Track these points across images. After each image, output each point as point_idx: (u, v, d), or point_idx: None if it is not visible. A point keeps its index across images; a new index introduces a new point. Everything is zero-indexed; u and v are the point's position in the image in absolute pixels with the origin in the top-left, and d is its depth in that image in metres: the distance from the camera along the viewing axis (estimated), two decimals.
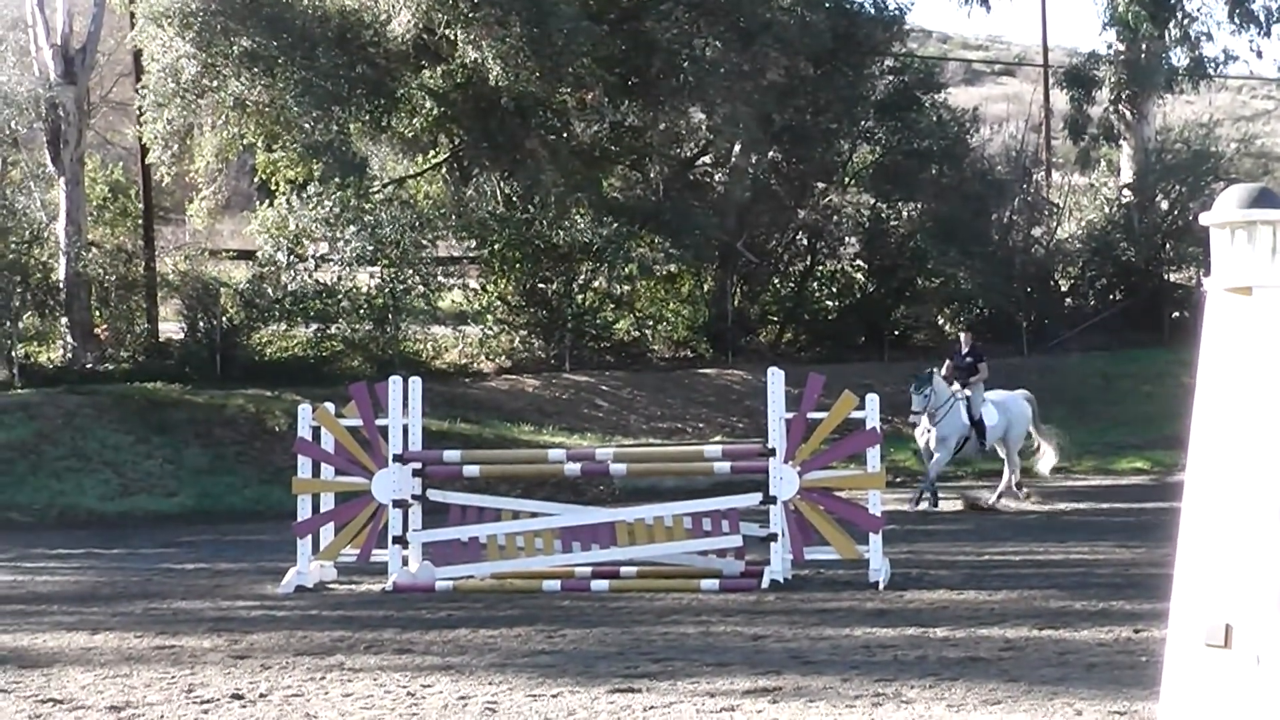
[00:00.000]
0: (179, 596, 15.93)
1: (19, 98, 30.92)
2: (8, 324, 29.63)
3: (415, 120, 33.73)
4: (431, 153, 35.13)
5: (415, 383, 16.62)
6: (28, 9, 32.17)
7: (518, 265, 33.70)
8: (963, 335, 25.83)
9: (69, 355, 30.53)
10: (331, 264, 31.99)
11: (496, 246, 33.58)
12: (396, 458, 16.23)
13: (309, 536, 16.41)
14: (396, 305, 32.16)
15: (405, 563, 16.11)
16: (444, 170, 35.60)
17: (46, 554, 20.55)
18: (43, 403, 27.04)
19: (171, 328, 32.34)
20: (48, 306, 30.83)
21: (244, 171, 39.32)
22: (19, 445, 25.77)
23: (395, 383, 16.53)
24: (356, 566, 16.62)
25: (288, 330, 32.06)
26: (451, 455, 17.02)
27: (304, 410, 16.79)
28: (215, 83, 31.56)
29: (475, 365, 33.31)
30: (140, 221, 33.13)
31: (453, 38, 31.71)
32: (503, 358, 33.55)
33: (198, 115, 32.31)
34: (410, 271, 32.51)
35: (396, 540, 16.08)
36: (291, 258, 31.81)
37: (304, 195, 32.43)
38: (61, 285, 30.76)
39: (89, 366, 30.02)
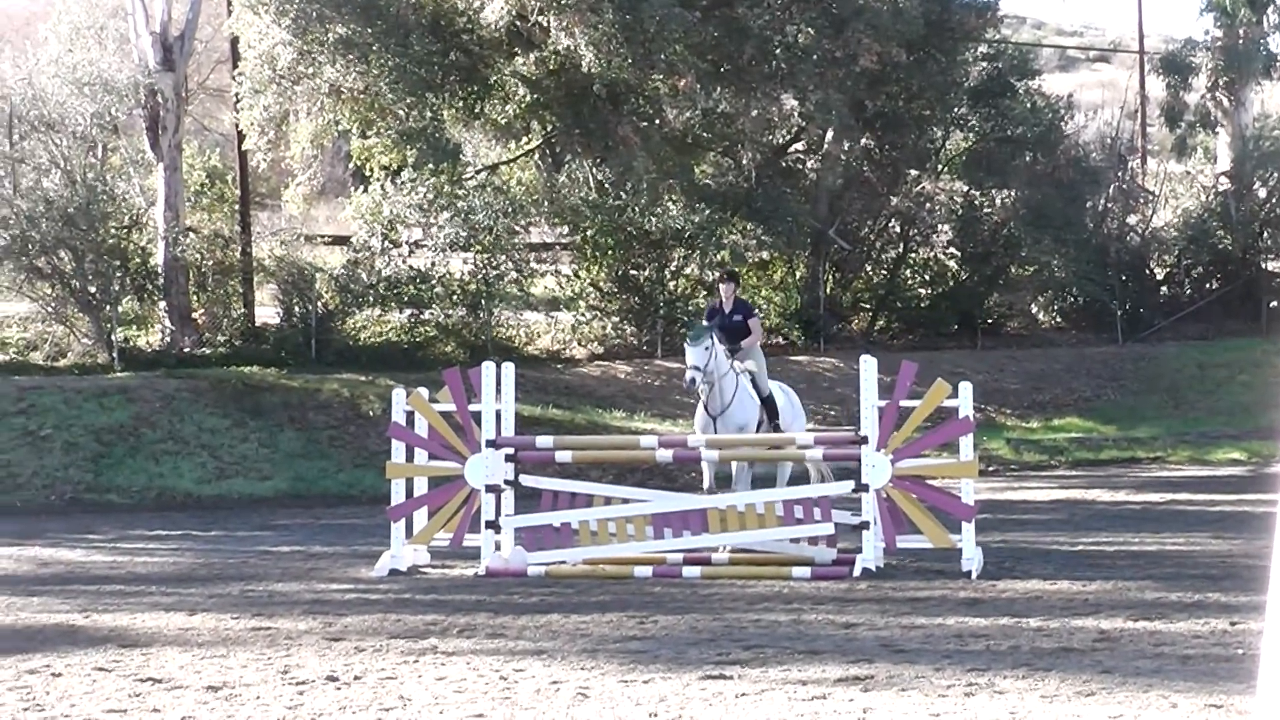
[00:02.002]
0: (274, 579, 16.05)
1: (119, 85, 31.23)
2: (108, 308, 29.97)
3: (508, 107, 33.81)
4: (524, 139, 35.19)
5: (508, 368, 16.67)
6: None
7: (610, 252, 33.73)
8: (723, 287, 18.58)
9: (167, 339, 30.83)
10: (425, 250, 32.15)
11: (589, 233, 33.63)
12: (489, 443, 16.28)
13: (402, 520, 16.50)
14: (489, 291, 32.27)
15: (498, 547, 16.17)
16: (536, 157, 35.66)
17: (145, 535, 20.78)
18: (141, 386, 27.32)
19: (267, 312, 32.60)
20: (146, 291, 31.14)
21: (339, 158, 39.57)
22: (118, 428, 26.06)
23: (488, 368, 16.58)
24: (449, 551, 16.70)
25: (382, 315, 32.25)
26: (544, 440, 17.05)
27: (398, 395, 16.87)
28: (310, 69, 31.74)
29: (567, 351, 33.38)
30: (237, 207, 33.39)
31: (545, 25, 31.75)
32: (595, 344, 33.60)
33: (293, 101, 32.51)
34: (503, 258, 32.63)
35: (489, 525, 16.13)
36: (385, 243, 31.99)
37: (398, 181, 32.59)
38: (160, 270, 31.07)
39: (186, 350, 30.31)
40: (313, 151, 34.67)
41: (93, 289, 30.05)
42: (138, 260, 30.96)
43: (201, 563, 17.62)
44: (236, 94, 32.54)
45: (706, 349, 17.14)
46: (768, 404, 17.95)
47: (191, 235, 31.85)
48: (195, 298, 31.83)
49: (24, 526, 21.64)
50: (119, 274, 30.35)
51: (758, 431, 17.78)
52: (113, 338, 29.77)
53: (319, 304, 31.43)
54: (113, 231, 30.61)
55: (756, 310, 19.59)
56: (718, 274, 19.12)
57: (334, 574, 16.49)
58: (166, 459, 25.52)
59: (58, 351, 29.96)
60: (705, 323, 18.25)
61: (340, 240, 34.46)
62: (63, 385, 27.16)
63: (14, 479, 24.78)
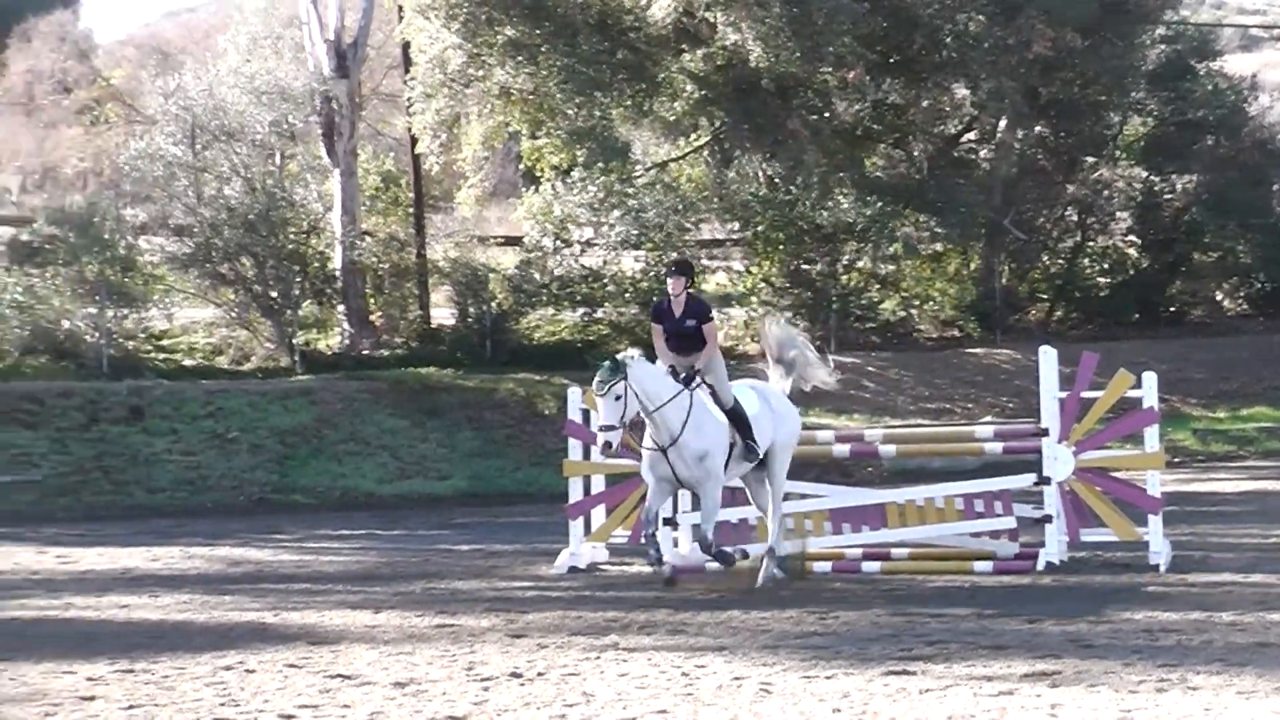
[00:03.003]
0: (456, 576, 16.23)
1: (295, 93, 31.75)
2: (288, 312, 30.51)
3: (676, 104, 33.85)
4: (693, 136, 35.22)
5: None
6: (302, 6, 32.99)
7: (781, 247, 33.65)
8: (671, 282, 14.96)
9: (346, 341, 31.29)
10: (597, 248, 32.31)
11: (760, 228, 33.58)
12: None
13: (580, 518, 16.60)
14: (661, 288, 32.32)
15: (676, 544, 16.20)
16: (706, 153, 35.66)
17: (329, 535, 21.12)
18: (322, 388, 27.78)
19: (443, 313, 32.95)
20: (325, 295, 31.62)
21: (509, 159, 39.87)
22: (301, 429, 26.52)
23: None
24: (627, 548, 16.76)
25: (555, 314, 32.46)
26: None
27: (573, 393, 16.96)
28: (481, 72, 32.04)
29: (740, 347, 33.35)
30: (411, 210, 33.79)
31: (713, 20, 31.76)
32: None
33: (464, 104, 32.84)
34: (674, 254, 32.68)
35: (667, 522, 16.17)
36: (557, 243, 32.21)
37: (568, 181, 32.78)
38: (338, 274, 31.53)
39: (365, 353, 30.74)
40: (484, 153, 34.98)
41: (274, 294, 30.59)
42: (316, 265, 31.45)
43: (385, 561, 17.87)
44: (408, 98, 32.92)
45: (618, 398, 13.94)
46: (734, 419, 14.71)
47: (368, 239, 32.32)
48: (372, 300, 32.27)
49: (214, 527, 22.08)
50: (298, 278, 30.86)
51: (730, 455, 14.67)
52: (294, 341, 30.27)
53: (493, 304, 31.71)
54: (292, 237, 31.12)
55: (714, 312, 15.60)
56: (667, 266, 15.18)
57: (514, 571, 16.63)
58: (348, 459, 25.92)
59: (242, 355, 30.56)
60: (619, 358, 14.40)
61: (513, 241, 34.74)
62: (247, 388, 27.73)
63: (203, 480, 25.36)
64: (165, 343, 30.84)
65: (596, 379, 14.12)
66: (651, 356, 14.86)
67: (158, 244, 31.31)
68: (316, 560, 18.28)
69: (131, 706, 10.19)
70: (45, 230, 30.31)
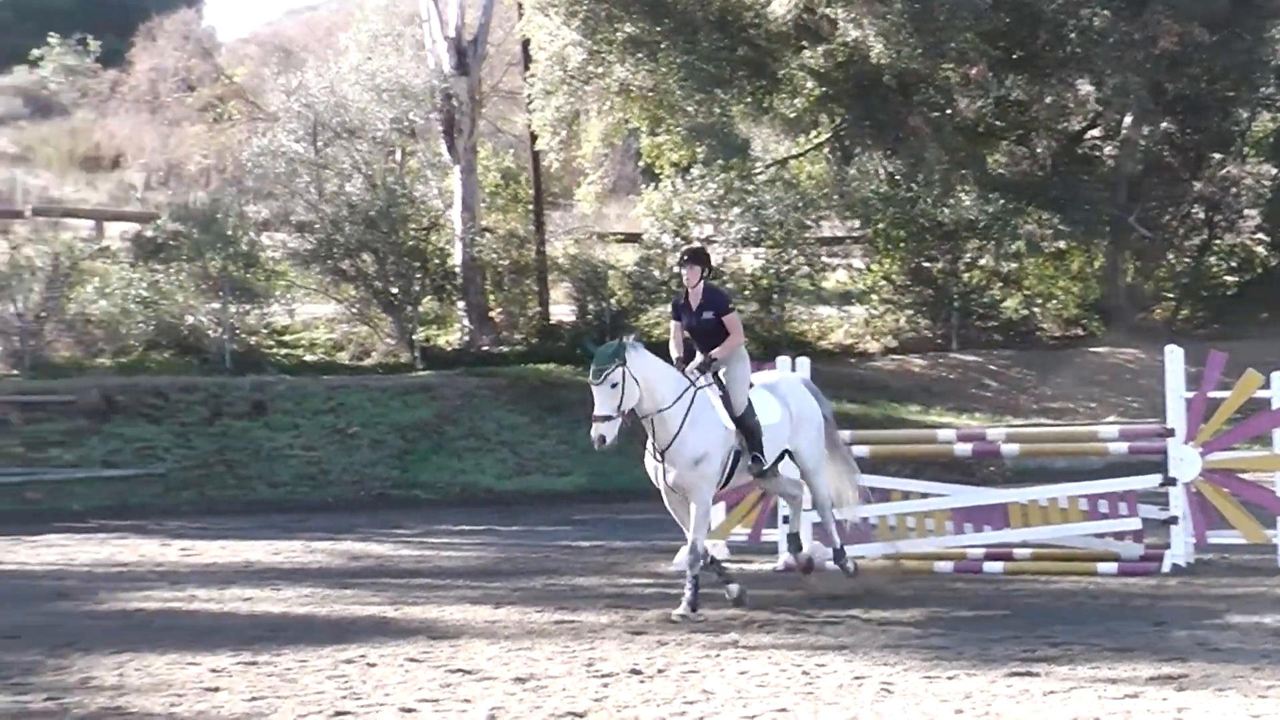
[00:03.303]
0: (576, 573, 16.29)
1: (416, 90, 31.97)
2: (409, 308, 30.75)
3: (796, 100, 33.76)
4: (813, 133, 35.11)
5: (803, 363, 16.66)
6: (423, 4, 33.22)
7: (902, 244, 33.48)
8: (686, 272, 13.91)
9: (466, 338, 31.47)
10: (716, 245, 32.26)
11: (880, 225, 33.43)
12: None
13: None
14: (781, 286, 32.29)
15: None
16: (826, 150, 35.54)
17: (449, 530, 21.26)
18: (443, 384, 27.98)
19: (562, 310, 33.07)
20: (445, 291, 31.82)
21: (629, 156, 39.94)
22: (422, 425, 26.74)
23: (783, 363, 16.61)
24: (747, 546, 16.76)
25: None
26: (840, 435, 17.01)
27: None
28: (600, 69, 32.12)
29: (861, 345, 33.24)
30: (531, 207, 33.93)
31: (833, 17, 31.65)
32: (889, 337, 33.40)
33: (584, 101, 32.93)
34: (794, 252, 32.62)
35: (787, 520, 16.15)
36: (677, 240, 32.20)
37: (688, 178, 32.78)
38: (458, 270, 31.72)
39: (484, 349, 30.91)
40: (603, 150, 35.06)
41: (394, 290, 30.83)
42: (436, 261, 31.65)
43: (505, 557, 17.97)
44: (528, 95, 33.06)
45: (614, 386, 12.95)
46: (744, 427, 13.60)
47: (487, 235, 32.50)
48: (492, 297, 32.44)
49: (335, 521, 22.30)
50: (419, 275, 31.08)
51: (734, 466, 13.58)
52: (414, 337, 30.50)
53: (612, 301, 31.78)
54: (412, 233, 31.34)
55: (733, 303, 14.48)
56: (680, 255, 14.29)
57: (633, 568, 16.67)
58: (468, 455, 26.09)
59: (362, 351, 30.84)
60: (622, 338, 13.60)
61: (632, 238, 34.79)
62: (368, 384, 27.99)
63: (325, 475, 25.64)
64: (287, 338, 31.19)
65: (592, 365, 13.09)
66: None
67: (280, 240, 31.63)
68: (437, 555, 18.42)
69: (254, 698, 10.31)
70: (170, 226, 30.75)
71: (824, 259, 34.06)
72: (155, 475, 25.20)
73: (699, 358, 13.65)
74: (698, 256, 14.04)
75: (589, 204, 35.51)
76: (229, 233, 30.30)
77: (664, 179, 33.64)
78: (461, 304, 31.92)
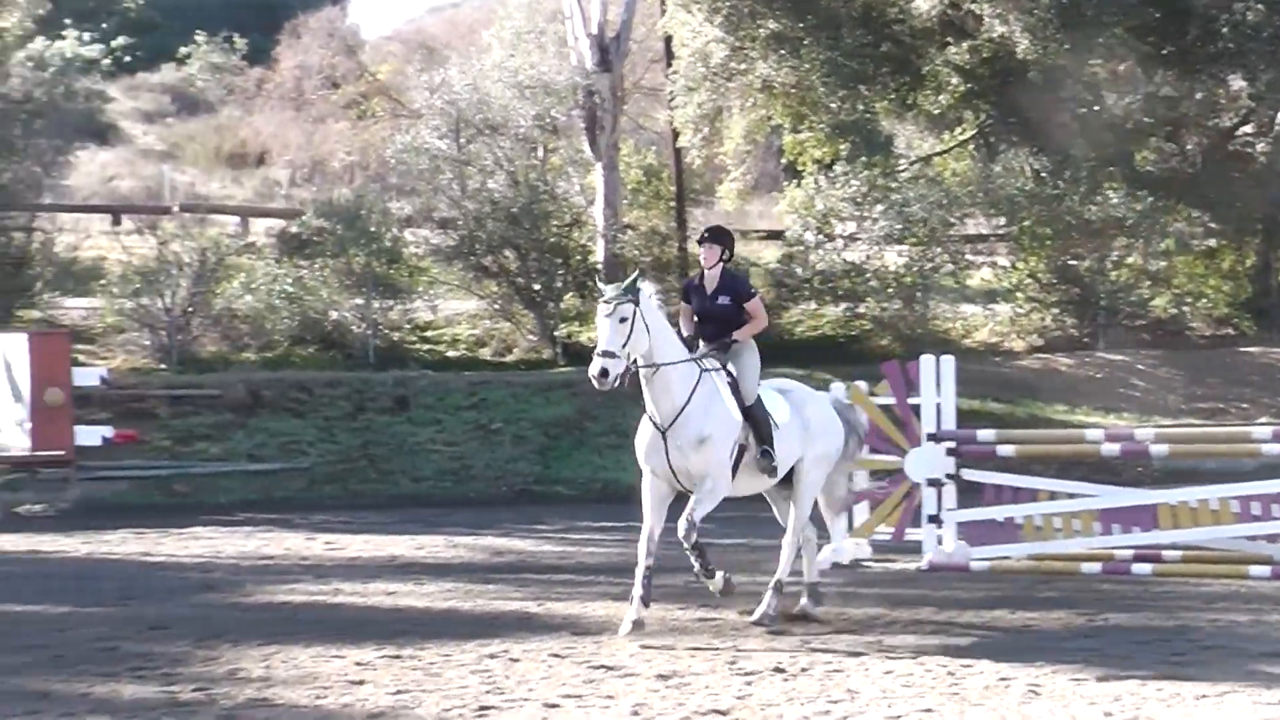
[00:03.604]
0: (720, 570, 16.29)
1: (559, 87, 32.10)
2: (551, 305, 30.90)
3: (941, 97, 33.51)
4: (957, 129, 34.84)
5: (948, 361, 16.57)
6: (566, 1, 33.35)
7: (1048, 242, 33.12)
8: (704, 252, 12.95)
9: None
10: (859, 243, 32.13)
11: (1025, 223, 33.09)
12: (930, 436, 16.24)
13: (844, 514, 16.56)
14: (925, 284, 32.09)
15: (940, 542, 16.09)
16: (970, 147, 35.25)
17: (591, 526, 21.33)
18: (584, 381, 27.85)
19: None
20: (587, 287, 31.91)
21: (771, 153, 39.85)
22: (564, 421, 26.87)
23: (928, 361, 16.54)
24: (891, 545, 16.69)
25: (816, 309, 32.38)
26: (985, 434, 16.91)
27: (836, 388, 16.93)
28: (743, 65, 32.07)
29: (1005, 344, 32.95)
30: (672, 204, 33.97)
31: (978, 12, 31.40)
32: (1034, 336, 33.08)
33: (726, 98, 32.91)
34: (938, 250, 32.39)
35: (931, 519, 16.08)
36: (819, 237, 32.11)
37: (830, 175, 32.66)
38: (600, 266, 31.82)
39: None
40: (745, 147, 35.01)
41: (536, 286, 31.00)
42: (578, 258, 31.77)
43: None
44: (670, 92, 33.09)
45: (624, 320, 12.00)
46: (753, 419, 12.63)
47: (629, 232, 32.57)
48: None
49: (477, 516, 22.46)
50: (561, 271, 31.22)
51: (740, 459, 12.60)
52: (555, 333, 30.65)
53: None
54: (554, 230, 31.48)
55: (754, 288, 13.44)
56: (700, 234, 13.18)
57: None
58: (609, 452, 26.14)
59: (504, 347, 31.05)
60: (636, 276, 12.38)
61: (774, 235, 34.72)
62: (510, 380, 28.17)
63: (467, 470, 25.85)
64: (430, 334, 31.47)
65: (604, 296, 12.15)
66: None
67: (422, 236, 31.90)
68: (579, 551, 18.51)
69: (399, 691, 10.43)
70: (314, 223, 31.12)
71: (968, 256, 33.76)
72: (300, 469, 25.52)
73: (703, 347, 12.66)
74: (719, 236, 12.99)
75: (731, 201, 35.47)
76: (372, 229, 30.59)
77: (806, 176, 33.53)
78: None
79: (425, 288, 31.42)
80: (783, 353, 30.38)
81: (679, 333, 12.71)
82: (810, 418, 13.08)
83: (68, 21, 40.85)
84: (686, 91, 32.43)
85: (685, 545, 12.44)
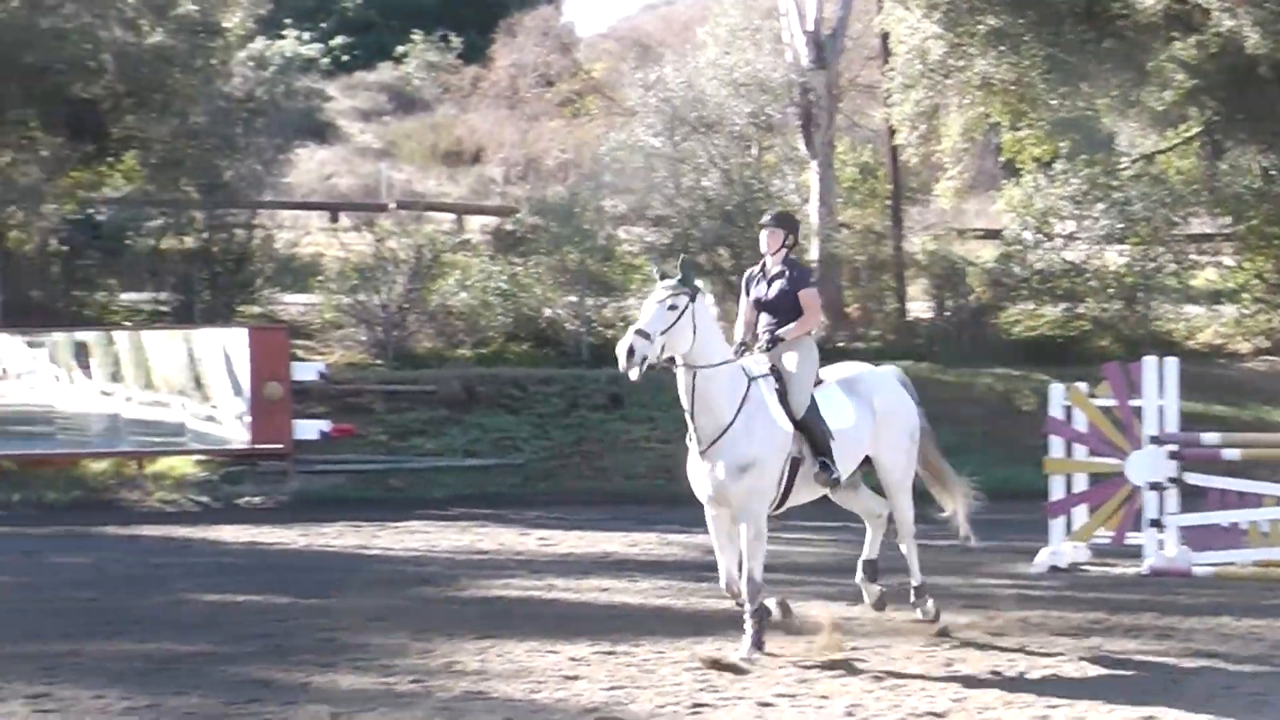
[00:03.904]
0: (932, 571, 16.13)
1: (774, 84, 32.09)
2: None
3: (1165, 93, 32.87)
4: (1182, 126, 34.19)
5: (1171, 363, 16.31)
6: None
7: (1276, 241, 32.40)
8: (766, 235, 12.17)
9: (822, 334, 31.38)
10: (1079, 242, 31.70)
11: (1253, 222, 32.39)
12: (1152, 439, 16.01)
13: (1062, 517, 16.42)
14: (1147, 284, 31.57)
15: (1161, 546, 15.85)
16: (1196, 144, 34.58)
17: (805, 526, 21.10)
18: None
19: (919, 307, 32.88)
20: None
21: (989, 151, 39.45)
22: None
23: (1150, 363, 16.30)
24: (1110, 549, 16.48)
25: (1035, 309, 32.01)
26: (1210, 438, 16.61)
27: (1056, 390, 16.76)
28: (961, 62, 31.77)
29: (1230, 346, 32.29)
30: (888, 202, 33.80)
31: (1206, 6, 30.77)
32: (1260, 338, 32.35)
33: (944, 95, 32.61)
34: (1161, 249, 31.84)
35: (1153, 523, 15.84)
36: (1038, 236, 31.73)
37: (1050, 173, 32.28)
38: (814, 265, 31.75)
39: (840, 345, 30.90)
40: (963, 145, 34.64)
41: None
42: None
43: (860, 554, 17.90)
44: (887, 90, 32.89)
45: (673, 309, 11.12)
46: (807, 429, 11.56)
47: (844, 231, 32.47)
48: (848, 292, 32.41)
49: (690, 514, 22.21)
50: None
51: (796, 473, 11.64)
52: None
53: (971, 298, 31.49)
54: None
55: (814, 280, 12.48)
56: (763, 218, 12.42)
57: (991, 569, 16.52)
58: None
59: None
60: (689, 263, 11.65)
61: (992, 234, 34.35)
62: None
63: (679, 468, 25.79)
64: None
65: (662, 281, 11.34)
66: None
67: (636, 234, 32.05)
68: (791, 551, 18.46)
69: (613, 688, 10.55)
70: (528, 220, 31.44)
71: (1192, 256, 33.11)
72: (513, 465, 25.80)
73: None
74: (782, 221, 12.17)
75: (948, 199, 35.14)
76: (586, 227, 30.80)
77: (1025, 174, 33.15)
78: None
79: (639, 285, 31.56)
80: (999, 352, 30.15)
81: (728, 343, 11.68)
82: (879, 406, 12.13)
83: (288, 21, 41.77)
84: (903, 89, 32.21)
85: (747, 609, 11.31)
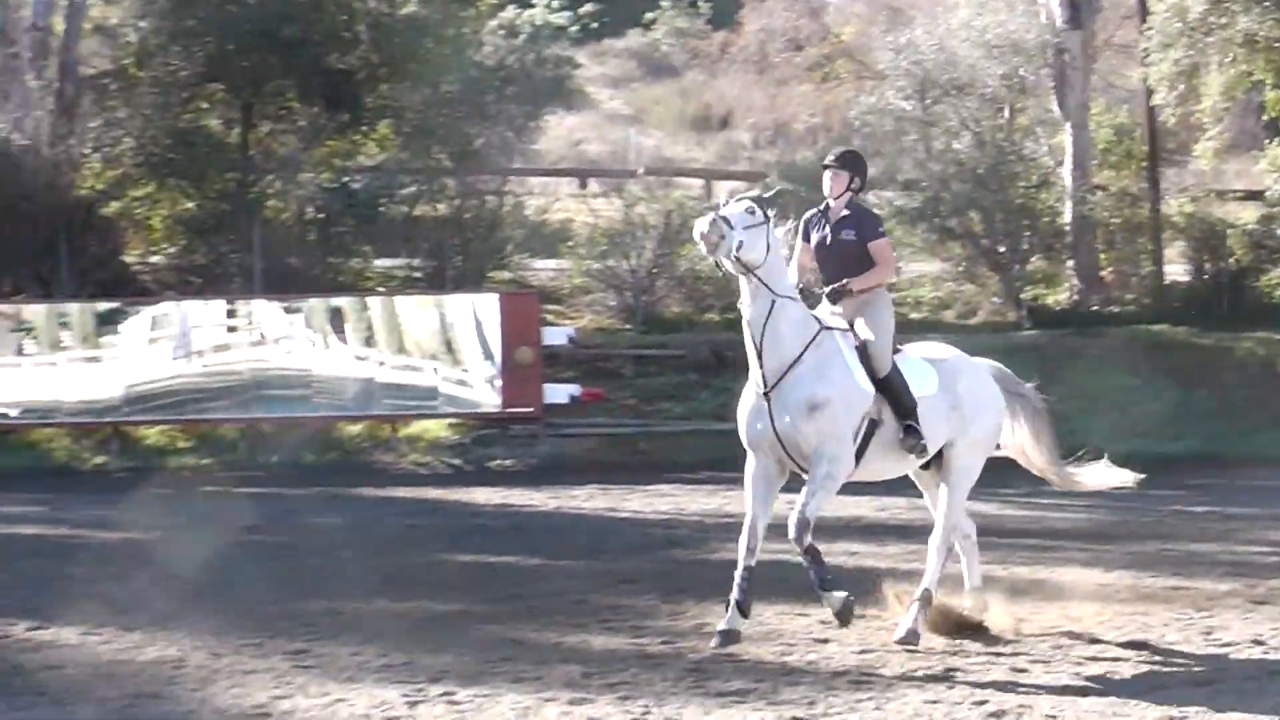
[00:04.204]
0: (1191, 539, 15.89)
1: (1027, 46, 31.55)
2: (1016, 267, 30.48)
3: None
4: None
5: None
6: None
7: None
8: (829, 177, 11.08)
9: (1075, 297, 30.99)
10: None
11: None
12: None
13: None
14: None
15: None
16: None
17: (1055, 492, 20.81)
18: (1050, 344, 27.64)
19: (1176, 270, 32.16)
20: (1053, 250, 31.38)
21: (1250, 110, 38.39)
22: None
23: None
24: None
25: None
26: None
27: None
28: (1224, 19, 30.94)
29: None
30: (1144, 164, 33.06)
31: None
32: None
33: (1204, 54, 31.78)
34: None
35: None
36: None
37: None
38: (1067, 228, 31.25)
39: (1094, 309, 30.37)
40: (1224, 104, 33.71)
41: (1001, 248, 30.59)
42: (1046, 219, 31.22)
43: (1116, 520, 17.62)
44: (1144, 49, 32.16)
45: (752, 214, 10.42)
46: (889, 388, 10.66)
47: (1099, 193, 31.84)
48: (1103, 256, 31.81)
49: None
50: (1027, 233, 30.74)
51: (872, 435, 10.65)
52: (1021, 296, 30.23)
53: (1231, 261, 30.73)
54: (1021, 191, 30.98)
55: (884, 228, 11.29)
56: (827, 158, 11.38)
57: (1252, 536, 16.14)
58: (1078, 416, 25.56)
59: (968, 310, 30.78)
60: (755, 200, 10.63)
61: (1253, 195, 33.45)
62: (974, 343, 27.79)
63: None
64: (894, 295, 31.33)
65: (749, 195, 10.69)
66: None
67: (886, 198, 31.75)
68: (1045, 517, 18.25)
69: (864, 651, 10.54)
70: (777, 185, 31.27)
71: None
72: None
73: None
74: (848, 161, 11.11)
75: (1207, 160, 34.24)
76: None
77: None
78: (1070, 263, 31.39)
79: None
80: (1260, 316, 29.38)
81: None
82: (963, 394, 11.06)
83: None
84: (1162, 48, 31.46)
85: (797, 548, 10.59)
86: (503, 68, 32.09)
